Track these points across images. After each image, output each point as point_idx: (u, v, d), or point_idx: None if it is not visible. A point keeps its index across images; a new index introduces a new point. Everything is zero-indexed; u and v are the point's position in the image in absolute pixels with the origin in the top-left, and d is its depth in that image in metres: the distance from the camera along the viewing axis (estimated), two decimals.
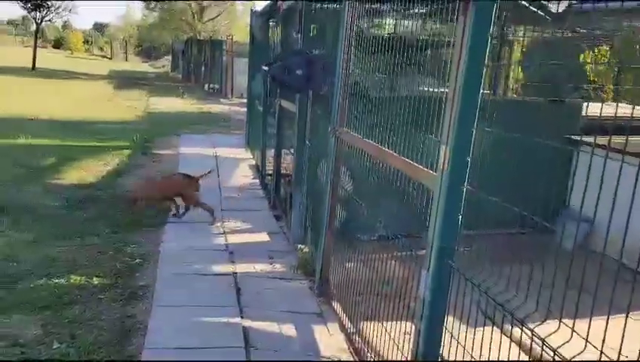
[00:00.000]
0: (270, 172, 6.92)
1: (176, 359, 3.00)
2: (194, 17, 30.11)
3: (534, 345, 1.50)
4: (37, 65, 27.21)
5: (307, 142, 4.75)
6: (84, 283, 3.92)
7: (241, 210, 6.16)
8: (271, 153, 6.94)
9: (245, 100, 18.18)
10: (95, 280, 3.98)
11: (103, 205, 5.98)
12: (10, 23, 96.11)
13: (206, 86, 23.60)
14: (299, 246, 4.73)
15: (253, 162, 8.65)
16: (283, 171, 6.31)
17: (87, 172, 7.55)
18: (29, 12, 27.55)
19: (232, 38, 20.91)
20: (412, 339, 2.25)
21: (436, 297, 2.07)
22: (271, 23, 7.22)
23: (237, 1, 35.51)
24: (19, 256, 4.36)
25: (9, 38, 73.96)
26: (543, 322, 1.53)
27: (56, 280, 3.93)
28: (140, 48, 66.84)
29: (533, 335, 1.49)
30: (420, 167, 2.35)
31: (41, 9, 27.16)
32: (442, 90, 2.16)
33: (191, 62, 28.52)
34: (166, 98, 18.87)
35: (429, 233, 2.11)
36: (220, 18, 37.07)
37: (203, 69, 25.02)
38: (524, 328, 1.53)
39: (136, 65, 49.27)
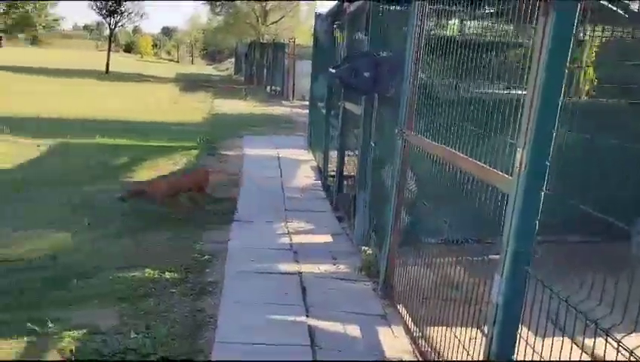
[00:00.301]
0: (332, 173, 6.97)
1: (245, 355, 3.08)
2: (258, 20, 30.74)
3: (620, 357, 1.44)
4: (110, 69, 28.63)
5: (372, 144, 4.75)
6: (157, 277, 4.10)
7: (304, 210, 6.24)
8: (333, 155, 7.00)
9: (306, 102, 18.43)
10: (167, 275, 4.15)
11: (173, 203, 6.21)
12: (85, 28, 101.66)
13: (268, 88, 24.02)
14: (362, 247, 4.74)
15: (315, 163, 8.73)
16: (346, 173, 6.35)
17: (157, 171, 7.87)
18: (104, 18, 29.08)
19: (294, 41, 21.18)
20: (483, 344, 2.22)
21: (510, 303, 2.03)
22: (336, 25, 7.27)
23: (301, 2, 35.94)
24: (96, 250, 4.61)
25: (84, 43, 78.21)
26: (628, 334, 1.48)
27: (132, 274, 4.13)
28: (205, 51, 68.97)
29: (619, 346, 1.43)
30: (493, 169, 2.31)
31: (115, 15, 28.58)
32: (519, 92, 2.11)
33: (254, 64, 29.12)
34: (230, 100, 19.36)
35: (503, 237, 2.07)
36: (282, 21, 37.65)
37: (265, 71, 25.48)
38: (609, 339, 1.48)
39: (201, 68, 50.83)
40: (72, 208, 5.69)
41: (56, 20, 74.16)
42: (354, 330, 3.46)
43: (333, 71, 4.44)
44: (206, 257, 4.58)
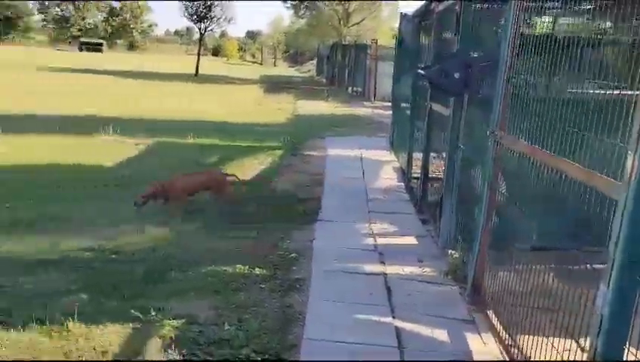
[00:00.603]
0: (416, 175, 6.89)
1: (333, 352, 3.13)
2: (340, 22, 30.98)
3: None
4: (199, 72, 29.97)
5: (460, 145, 4.66)
6: (247, 273, 4.26)
7: (388, 212, 6.22)
8: (417, 156, 6.92)
9: (387, 103, 18.36)
10: (257, 271, 4.30)
11: (259, 201, 6.43)
12: (176, 33, 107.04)
13: (349, 89, 24.14)
14: (449, 251, 4.67)
15: (398, 165, 8.68)
16: (431, 175, 6.26)
17: (244, 170, 8.15)
18: (194, 23, 30.51)
19: (376, 42, 21.13)
20: (582, 356, 2.14)
21: (617, 314, 1.93)
22: (422, 26, 7.19)
23: (383, 2, 35.80)
24: (190, 245, 4.86)
25: (175, 47, 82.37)
26: None
27: (224, 268, 4.32)
28: (287, 54, 70.41)
29: None
30: (598, 174, 2.21)
31: (205, 20, 29.91)
32: (630, 92, 2.01)
33: (335, 66, 29.37)
34: (312, 101, 19.65)
35: (610, 246, 1.98)
36: (364, 22, 37.69)
37: (347, 72, 25.62)
38: None
39: (284, 69, 51.92)
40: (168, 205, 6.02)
41: (151, 26, 78.69)
42: (441, 334, 3.42)
43: (422, 72, 4.40)
44: (293, 255, 4.69)
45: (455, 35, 4.67)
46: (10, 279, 3.93)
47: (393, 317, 3.60)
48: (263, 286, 4.04)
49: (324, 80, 32.72)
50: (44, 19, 70.79)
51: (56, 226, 5.13)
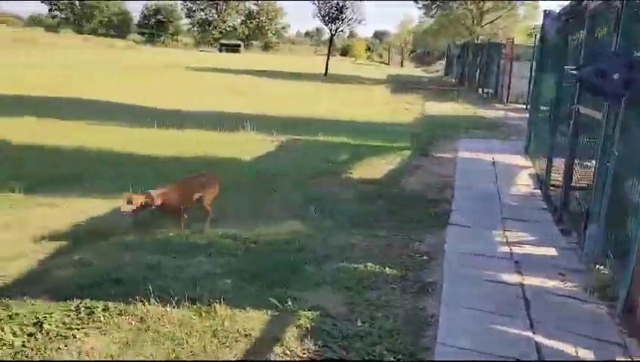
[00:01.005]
0: (556, 183, 6.46)
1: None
2: (473, 22, 29.87)
3: None
4: (328, 72, 30.70)
5: (614, 152, 4.29)
6: (378, 272, 4.29)
7: (523, 220, 5.91)
8: (558, 162, 6.49)
9: (521, 106, 17.43)
10: (387, 270, 4.32)
11: (388, 201, 6.45)
12: (306, 34, 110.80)
13: (480, 90, 23.23)
14: (595, 266, 4.32)
15: (533, 171, 8.20)
16: (574, 183, 5.83)
17: (372, 169, 8.22)
18: (326, 24, 31.31)
19: (512, 41, 20.10)
20: None
21: None
22: (570, 23, 6.71)
23: (518, 1, 33.95)
24: (324, 239, 5.00)
25: (304, 48, 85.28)
26: None
27: (355, 265, 4.39)
28: (414, 54, 69.57)
29: None
30: None
31: (337, 21, 30.58)
32: None
33: (465, 66, 28.44)
34: (440, 102, 19.21)
35: None
36: (497, 21, 36.02)
37: (477, 72, 24.68)
38: None
39: (411, 70, 51.36)
40: (303, 199, 6.26)
41: (284, 28, 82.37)
42: (587, 354, 3.19)
43: (575, 72, 4.10)
44: (424, 257, 4.64)
45: (614, 32, 4.30)
46: (166, 259, 4.34)
47: (533, 332, 3.41)
48: (394, 286, 4.04)
49: (453, 80, 31.83)
50: (190, 23, 77.07)
51: (202, 214, 5.55)
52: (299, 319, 3.44)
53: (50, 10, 70.77)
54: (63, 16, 70.56)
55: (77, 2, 69.46)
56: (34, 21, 70.30)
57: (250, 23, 76.16)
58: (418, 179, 7.72)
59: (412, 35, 62.82)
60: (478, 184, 7.42)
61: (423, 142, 10.43)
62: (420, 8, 40.61)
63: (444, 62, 43.91)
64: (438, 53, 55.82)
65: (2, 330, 3.12)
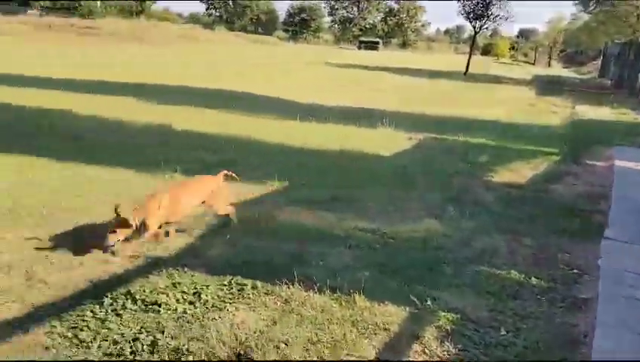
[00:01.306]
0: None
1: None
2: (638, 19, 26.86)
3: None
4: (468, 70, 29.64)
5: None
6: (522, 281, 4.07)
7: None
8: None
9: None
10: (533, 280, 4.08)
11: (533, 207, 6.08)
12: (446, 32, 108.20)
13: None
14: None
15: None
16: None
17: (515, 173, 7.80)
18: (470, 22, 30.17)
19: None
20: None
21: None
22: None
23: None
24: (464, 240, 4.85)
25: (443, 46, 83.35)
26: None
27: (497, 271, 4.21)
28: (564, 53, 64.59)
29: None
30: None
31: (482, 18, 29.37)
32: None
33: (625, 67, 25.74)
34: (593, 105, 17.64)
35: None
36: None
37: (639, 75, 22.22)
38: None
39: (558, 70, 47.84)
40: (440, 198, 6.13)
41: (424, 26, 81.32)
42: None
43: None
44: (575, 271, 4.32)
45: None
46: (308, 246, 4.50)
47: None
48: (541, 298, 3.81)
49: (609, 82, 29.00)
50: (332, 21, 79.17)
51: (341, 206, 5.67)
52: (438, 319, 3.39)
53: (207, 8, 77.21)
54: (217, 14, 76.42)
55: (230, 2, 74.73)
56: (193, 19, 77.18)
57: (390, 20, 76.22)
58: (568, 186, 7.18)
59: (563, 32, 58.28)
60: (638, 197, 6.71)
61: (572, 148, 9.67)
62: (576, 4, 37.49)
63: (598, 62, 40.19)
64: (593, 52, 51.17)
65: (167, 296, 3.47)
